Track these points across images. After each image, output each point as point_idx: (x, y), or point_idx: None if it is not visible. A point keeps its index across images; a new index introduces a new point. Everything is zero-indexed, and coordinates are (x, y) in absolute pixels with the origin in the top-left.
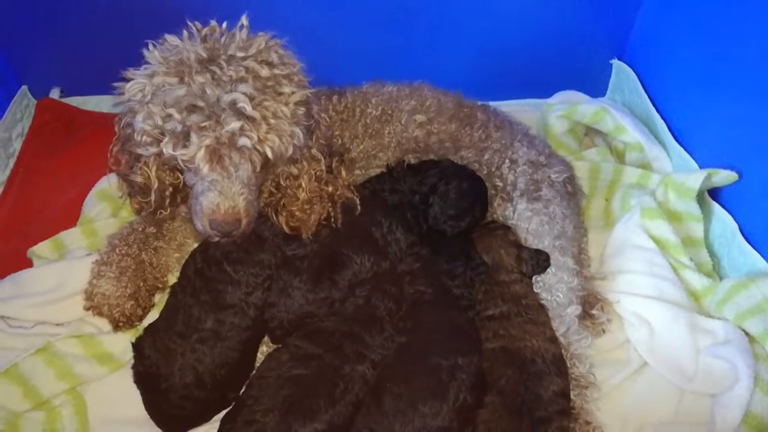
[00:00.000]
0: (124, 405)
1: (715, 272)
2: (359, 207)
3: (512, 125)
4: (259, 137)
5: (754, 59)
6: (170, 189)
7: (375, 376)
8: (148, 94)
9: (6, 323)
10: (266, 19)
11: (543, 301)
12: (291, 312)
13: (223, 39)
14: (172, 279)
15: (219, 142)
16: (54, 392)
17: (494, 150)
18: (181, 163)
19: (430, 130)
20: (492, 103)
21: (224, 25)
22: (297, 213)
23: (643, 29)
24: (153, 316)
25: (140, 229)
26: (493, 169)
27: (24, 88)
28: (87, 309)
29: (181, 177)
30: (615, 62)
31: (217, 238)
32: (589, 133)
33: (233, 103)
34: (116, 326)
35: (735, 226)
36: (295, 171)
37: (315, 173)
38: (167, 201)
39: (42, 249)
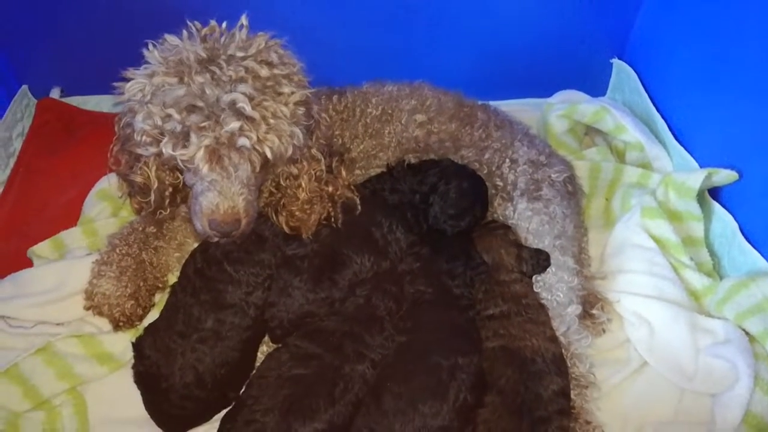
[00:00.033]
0: (125, 405)
1: (716, 272)
2: (359, 207)
3: (512, 125)
4: (258, 137)
5: (754, 59)
6: (170, 189)
7: (375, 375)
8: (148, 94)
9: (6, 323)
10: (266, 18)
11: (543, 301)
12: (291, 311)
13: (222, 39)
14: (173, 278)
15: (218, 143)
16: (54, 392)
17: (494, 149)
18: (180, 163)
19: (431, 129)
20: (492, 103)
21: (224, 25)
22: (297, 213)
23: (644, 29)
24: (153, 315)
25: (140, 228)
26: (494, 169)
27: (24, 87)
28: (87, 309)
29: (181, 177)
30: (615, 61)
31: (216, 239)
32: (590, 133)
33: (233, 103)
34: (116, 326)
35: (735, 225)
36: (295, 171)
37: (315, 173)
38: (167, 201)
39: (42, 249)
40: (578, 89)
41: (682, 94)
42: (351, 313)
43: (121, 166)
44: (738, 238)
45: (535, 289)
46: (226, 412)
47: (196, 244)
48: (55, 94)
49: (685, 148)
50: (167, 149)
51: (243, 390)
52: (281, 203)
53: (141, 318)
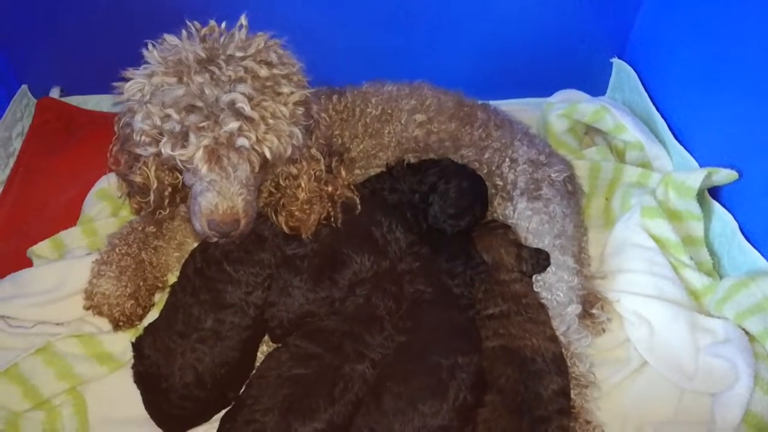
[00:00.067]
0: (124, 405)
1: (715, 271)
2: (359, 206)
3: (512, 124)
4: (257, 137)
5: (754, 58)
6: (169, 189)
7: (375, 375)
8: (147, 94)
9: (6, 323)
10: (265, 18)
11: (543, 300)
12: (291, 311)
13: (222, 39)
14: (172, 278)
15: (217, 143)
16: (54, 392)
17: (494, 149)
18: (179, 164)
19: (430, 129)
20: (492, 102)
21: (223, 25)
22: (296, 213)
23: (644, 28)
24: (153, 315)
25: (140, 228)
26: (493, 168)
27: (24, 87)
28: (87, 308)
29: (180, 177)
30: (615, 61)
31: (215, 239)
32: (590, 132)
33: (232, 104)
34: (116, 326)
35: (735, 224)
36: (294, 171)
37: (314, 173)
38: (166, 201)
39: (42, 248)
40: (578, 89)
41: (682, 94)
42: (351, 313)
43: (121, 165)
44: (738, 238)
45: (535, 289)
46: (226, 412)
47: (195, 244)
48: (54, 93)
49: (685, 148)
50: (166, 149)
51: (243, 390)
52: (281, 203)
53: (141, 318)
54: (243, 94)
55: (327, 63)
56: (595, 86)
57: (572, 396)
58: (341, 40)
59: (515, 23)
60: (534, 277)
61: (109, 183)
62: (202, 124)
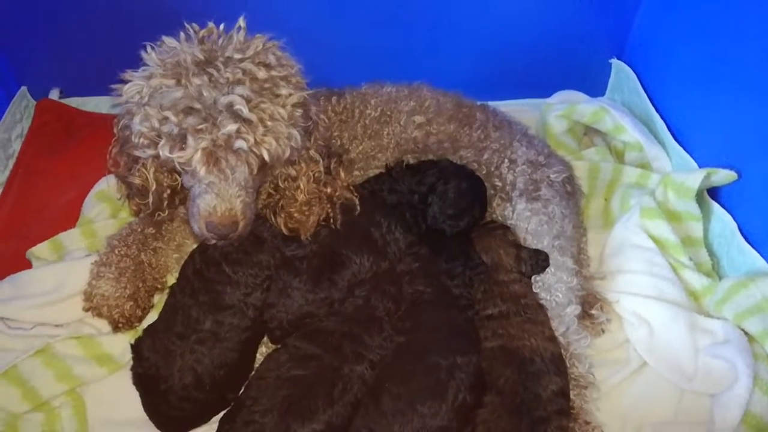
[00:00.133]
0: (124, 406)
1: (715, 272)
2: (358, 207)
3: (511, 125)
4: (255, 140)
5: (753, 59)
6: (168, 191)
7: (374, 376)
8: (145, 96)
9: (5, 324)
10: (264, 20)
11: (542, 301)
12: (290, 312)
13: (220, 41)
14: (171, 279)
15: (215, 145)
16: (53, 393)
17: (493, 150)
18: (178, 166)
19: (429, 130)
20: (491, 103)
21: (222, 26)
22: (295, 215)
23: (643, 29)
24: (152, 317)
25: (139, 230)
26: (492, 169)
27: (23, 88)
28: (86, 310)
29: (179, 179)
30: (614, 62)
31: (213, 241)
32: (589, 133)
33: (230, 106)
34: (115, 327)
35: (734, 225)
36: (293, 173)
37: (313, 175)
38: (165, 203)
39: (41, 250)
40: (577, 89)
41: (681, 95)
42: (350, 314)
43: (120, 167)
44: (737, 238)
45: (534, 290)
46: (225, 413)
47: (195, 245)
48: (54, 95)
49: (684, 149)
50: (164, 151)
51: (242, 391)
52: (280, 205)
53: (140, 319)
54: (241, 96)
55: (326, 64)
56: (594, 87)
57: (571, 396)
58: (340, 42)
59: (514, 24)
60: (533, 277)
61: (108, 185)
62: (200, 127)
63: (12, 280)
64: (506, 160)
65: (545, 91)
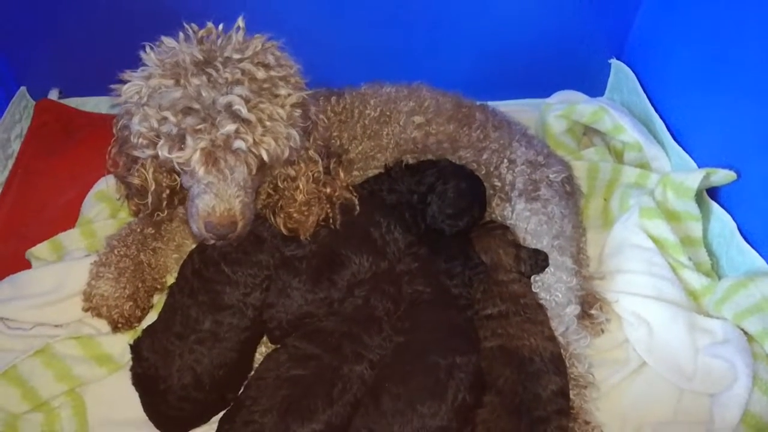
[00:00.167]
0: (123, 406)
1: (714, 271)
2: (358, 207)
3: (510, 125)
4: (254, 140)
5: (753, 59)
6: (167, 191)
7: (373, 376)
8: (144, 96)
9: (5, 325)
10: (263, 20)
11: (542, 301)
12: (290, 312)
13: (219, 41)
14: (171, 280)
15: (214, 145)
16: (53, 394)
17: (492, 150)
18: (176, 166)
19: (429, 131)
20: (491, 103)
21: (221, 27)
22: (295, 215)
23: (642, 29)
24: (152, 317)
25: (139, 230)
26: (492, 169)
27: (23, 89)
28: (86, 310)
29: (178, 179)
30: (614, 62)
31: (212, 241)
32: (588, 133)
33: (229, 106)
34: (115, 327)
35: (733, 225)
36: (292, 173)
37: (313, 175)
38: (164, 203)
39: (40, 250)
40: (576, 89)
41: (681, 95)
42: (349, 314)
43: (119, 168)
44: (736, 238)
45: (533, 290)
46: (225, 413)
47: (194, 245)
48: (53, 95)
49: (684, 148)
50: (163, 152)
51: (241, 391)
52: (279, 205)
53: (140, 319)
54: (240, 96)
55: (325, 64)
56: (594, 87)
57: (571, 396)
58: (340, 42)
59: (514, 24)
60: (533, 277)
61: (107, 185)
62: (199, 127)
63: (11, 281)
64: (505, 160)
65: (545, 91)
